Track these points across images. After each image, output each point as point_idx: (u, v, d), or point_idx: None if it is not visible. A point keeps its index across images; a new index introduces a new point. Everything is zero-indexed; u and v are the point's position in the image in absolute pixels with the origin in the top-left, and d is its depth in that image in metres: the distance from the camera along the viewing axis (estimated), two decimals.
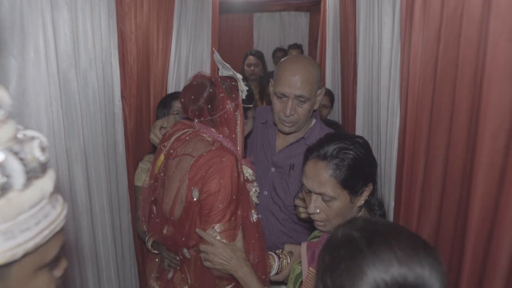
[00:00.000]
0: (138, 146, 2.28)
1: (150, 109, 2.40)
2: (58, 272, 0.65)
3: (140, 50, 2.23)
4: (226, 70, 1.50)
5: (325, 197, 1.14)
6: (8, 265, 0.52)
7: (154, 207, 1.55)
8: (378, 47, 1.98)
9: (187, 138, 1.44)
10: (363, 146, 1.18)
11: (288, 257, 1.47)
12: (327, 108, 3.14)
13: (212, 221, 1.30)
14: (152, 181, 1.55)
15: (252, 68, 3.77)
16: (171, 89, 2.65)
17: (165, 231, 1.46)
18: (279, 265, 1.44)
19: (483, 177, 1.17)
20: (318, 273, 0.77)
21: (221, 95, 1.38)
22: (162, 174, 1.47)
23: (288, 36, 6.34)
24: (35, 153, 0.54)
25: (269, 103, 1.74)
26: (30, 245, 0.53)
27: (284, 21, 6.43)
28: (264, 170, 1.69)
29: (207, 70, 3.16)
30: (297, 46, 5.02)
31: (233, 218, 1.32)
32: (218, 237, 1.31)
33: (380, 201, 1.29)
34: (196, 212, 1.34)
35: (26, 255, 0.53)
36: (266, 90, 3.72)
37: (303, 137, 1.65)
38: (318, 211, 1.17)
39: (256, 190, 1.51)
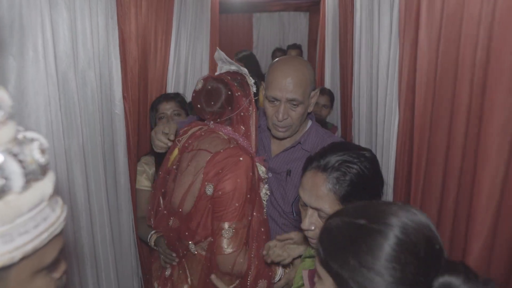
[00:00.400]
0: (138, 146, 2.28)
1: (148, 109, 2.40)
2: (57, 275, 0.64)
3: (140, 50, 2.23)
4: (228, 66, 1.51)
5: (321, 213, 1.04)
6: (6, 268, 0.52)
7: (162, 200, 1.56)
8: (377, 47, 1.98)
9: (203, 134, 1.45)
10: (370, 161, 1.05)
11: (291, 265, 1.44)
12: (327, 108, 3.14)
13: (225, 218, 1.32)
14: (162, 174, 1.55)
15: None
16: (170, 89, 2.65)
17: (171, 223, 1.47)
18: (281, 274, 1.43)
19: (486, 176, 1.17)
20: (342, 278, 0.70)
21: (237, 94, 1.41)
22: (174, 167, 1.48)
23: (288, 36, 6.35)
24: (35, 155, 0.53)
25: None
26: (29, 248, 0.52)
27: (283, 21, 6.44)
28: None
29: (206, 70, 3.15)
30: (296, 47, 5.02)
31: (245, 217, 1.34)
32: (230, 235, 1.32)
33: None
34: (207, 207, 1.35)
35: (24, 258, 0.53)
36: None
37: (299, 142, 1.60)
38: (313, 227, 1.06)
39: (266, 192, 1.51)
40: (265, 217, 1.47)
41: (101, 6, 1.80)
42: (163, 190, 1.55)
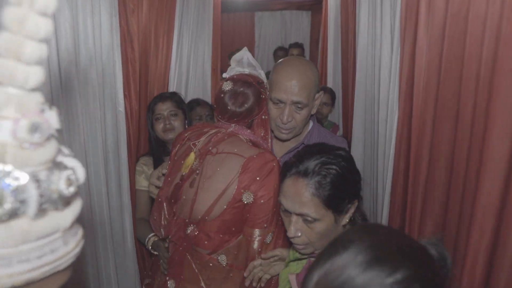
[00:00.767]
0: (139, 144, 2.28)
1: None
2: None
3: (142, 49, 2.23)
4: (240, 68, 1.47)
5: (306, 218, 1.03)
6: None
7: (172, 208, 1.46)
8: (379, 46, 1.97)
9: (225, 137, 1.39)
10: (346, 160, 1.07)
11: None
12: (328, 106, 3.13)
13: (258, 225, 1.31)
14: (171, 179, 1.47)
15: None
16: (172, 88, 2.65)
17: (188, 231, 1.38)
18: None
19: (490, 176, 1.16)
20: None
21: (262, 96, 1.42)
22: (197, 172, 1.38)
23: (290, 35, 6.34)
24: (60, 185, 0.51)
25: None
26: (24, 278, 0.48)
27: (285, 20, 6.43)
28: None
29: (208, 69, 3.14)
30: (298, 45, 5.01)
31: (274, 222, 1.33)
32: (257, 240, 1.31)
33: (363, 214, 1.18)
34: (238, 214, 1.32)
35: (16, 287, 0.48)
36: None
37: (303, 143, 1.59)
38: (299, 234, 1.05)
39: None
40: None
41: (104, 5, 1.79)
42: (172, 199, 1.45)
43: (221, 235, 1.34)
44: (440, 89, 1.40)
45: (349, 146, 2.51)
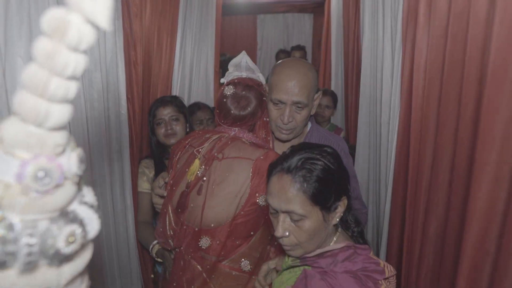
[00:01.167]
0: (141, 147, 2.29)
1: None
2: None
3: (145, 52, 2.24)
4: (238, 73, 1.48)
5: (293, 216, 1.00)
6: None
7: (178, 217, 1.43)
8: (381, 48, 1.98)
9: (229, 142, 1.39)
10: (332, 156, 1.05)
11: None
12: (330, 108, 3.13)
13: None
14: (175, 188, 1.44)
15: None
16: (175, 91, 2.66)
17: (201, 243, 1.35)
18: None
19: (491, 176, 1.16)
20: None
21: (264, 98, 1.45)
22: (204, 179, 1.36)
23: (292, 38, 6.35)
24: (58, 241, 0.45)
25: None
26: None
27: (287, 22, 6.44)
28: None
29: (211, 72, 3.17)
30: (300, 48, 5.02)
31: None
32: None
33: (357, 218, 1.15)
34: (250, 218, 1.32)
35: None
36: None
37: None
38: (287, 233, 1.02)
39: None
40: None
41: None
42: (179, 209, 1.42)
43: (232, 240, 1.34)
44: (441, 91, 1.41)
45: (354, 149, 2.51)
